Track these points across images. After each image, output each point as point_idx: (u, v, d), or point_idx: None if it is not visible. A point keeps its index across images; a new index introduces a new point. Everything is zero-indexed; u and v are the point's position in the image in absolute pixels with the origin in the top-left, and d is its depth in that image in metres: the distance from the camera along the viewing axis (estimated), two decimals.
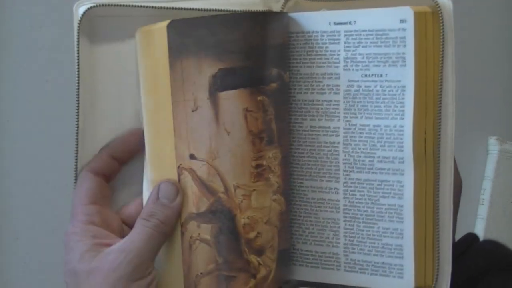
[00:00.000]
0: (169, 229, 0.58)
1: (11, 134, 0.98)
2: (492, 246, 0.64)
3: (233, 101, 0.57)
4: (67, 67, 0.97)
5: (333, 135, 0.60)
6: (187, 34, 0.57)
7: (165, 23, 0.57)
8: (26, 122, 0.99)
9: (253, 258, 0.59)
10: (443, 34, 0.57)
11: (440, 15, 0.57)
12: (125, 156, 0.62)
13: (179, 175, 0.58)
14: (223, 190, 0.58)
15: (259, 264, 0.59)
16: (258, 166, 0.58)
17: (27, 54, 0.98)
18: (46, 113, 0.99)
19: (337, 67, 0.59)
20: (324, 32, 0.60)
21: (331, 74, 0.60)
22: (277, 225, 0.60)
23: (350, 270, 0.61)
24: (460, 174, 0.62)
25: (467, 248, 0.62)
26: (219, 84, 0.57)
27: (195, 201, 0.58)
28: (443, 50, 0.57)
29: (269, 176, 0.59)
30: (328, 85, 0.60)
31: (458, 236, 0.64)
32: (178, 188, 0.58)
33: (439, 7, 0.57)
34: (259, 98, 0.58)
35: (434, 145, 0.58)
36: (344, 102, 0.60)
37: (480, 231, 1.25)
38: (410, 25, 0.57)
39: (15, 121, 0.98)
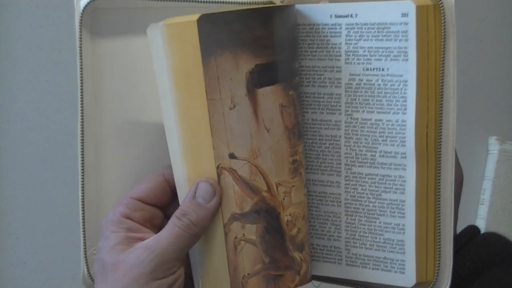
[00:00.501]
0: (200, 231, 0.57)
1: (11, 134, 0.98)
2: (494, 238, 0.63)
3: (270, 97, 0.57)
4: (67, 67, 0.97)
5: (334, 129, 0.60)
6: (220, 29, 0.56)
7: (194, 17, 0.56)
8: (26, 122, 0.98)
9: (297, 255, 0.58)
10: (444, 28, 0.57)
11: (441, 8, 0.57)
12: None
13: (218, 175, 0.57)
14: (266, 189, 0.57)
15: (301, 260, 0.59)
16: (294, 161, 0.58)
17: (27, 54, 0.98)
18: (46, 113, 0.99)
19: (338, 60, 0.59)
20: (325, 25, 0.59)
21: (332, 67, 0.60)
22: (309, 220, 0.60)
23: (351, 264, 0.61)
24: (461, 167, 0.62)
25: (469, 241, 0.62)
26: (256, 80, 0.56)
27: (238, 201, 0.57)
28: (444, 44, 0.57)
29: (301, 171, 0.59)
30: (329, 78, 0.60)
31: (459, 229, 0.64)
32: (216, 189, 0.57)
33: (440, 0, 0.57)
34: (290, 92, 0.58)
35: (435, 140, 0.58)
36: (345, 95, 0.60)
37: (480, 231, 1.25)
38: (412, 19, 0.57)
39: (15, 121, 0.98)
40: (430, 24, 0.57)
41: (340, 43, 0.59)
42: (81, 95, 0.59)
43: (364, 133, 0.59)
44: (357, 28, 0.58)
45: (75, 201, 0.97)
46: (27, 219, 0.99)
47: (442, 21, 0.57)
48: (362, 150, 0.59)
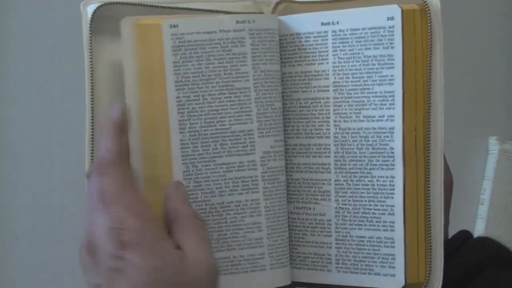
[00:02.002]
0: None
1: (11, 134, 0.98)
2: (486, 242, 0.64)
3: None
4: (67, 67, 0.97)
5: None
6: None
7: (160, 20, 0.58)
8: (26, 122, 0.99)
9: None
10: (431, 31, 0.57)
11: (427, 12, 0.57)
12: None
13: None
14: None
15: None
16: None
17: (27, 54, 0.98)
18: (46, 113, 0.99)
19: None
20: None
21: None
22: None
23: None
24: (450, 171, 0.62)
25: (461, 245, 0.62)
26: None
27: None
28: (431, 47, 0.58)
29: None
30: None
31: (457, 230, 0.64)
32: None
33: (426, 4, 0.57)
34: None
35: (424, 142, 0.58)
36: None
37: (480, 231, 1.25)
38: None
39: (15, 121, 0.98)
40: (417, 28, 0.58)
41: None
42: (91, 100, 0.59)
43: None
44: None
45: (75, 201, 0.97)
46: (27, 219, 0.99)
47: (429, 25, 0.57)
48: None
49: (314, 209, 0.61)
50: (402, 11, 0.57)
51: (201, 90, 0.59)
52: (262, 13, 0.62)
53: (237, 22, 0.59)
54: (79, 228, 0.60)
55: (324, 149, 0.61)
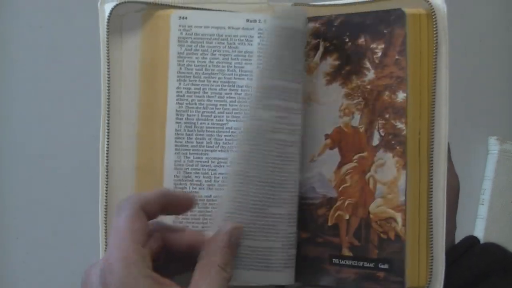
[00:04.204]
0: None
1: (11, 133, 0.98)
2: (493, 248, 0.63)
3: None
4: (67, 67, 0.97)
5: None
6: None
7: (170, 11, 0.58)
8: (26, 122, 0.99)
9: None
10: (436, 36, 0.57)
11: (433, 16, 0.57)
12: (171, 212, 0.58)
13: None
14: None
15: None
16: None
17: (27, 54, 0.98)
18: (46, 113, 0.99)
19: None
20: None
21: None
22: None
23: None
24: (457, 175, 0.62)
25: (467, 250, 0.62)
26: None
27: None
28: (436, 51, 0.57)
29: None
30: None
31: (457, 238, 0.64)
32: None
33: (432, 9, 0.57)
34: None
35: (427, 146, 0.58)
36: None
37: (480, 231, 1.25)
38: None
39: (15, 121, 0.98)
40: (423, 32, 0.58)
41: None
42: (108, 99, 0.59)
43: None
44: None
45: (75, 201, 0.97)
46: (27, 219, 0.99)
47: (434, 29, 0.57)
48: None
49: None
50: (408, 15, 0.57)
51: (203, 84, 0.59)
52: None
53: (247, 20, 0.59)
54: (79, 228, 0.60)
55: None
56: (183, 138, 0.59)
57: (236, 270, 0.56)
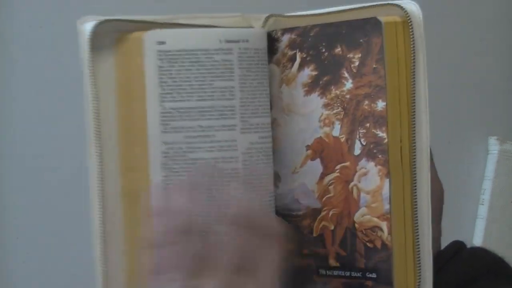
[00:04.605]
0: None
1: (11, 134, 0.98)
2: (481, 253, 0.63)
3: None
4: (67, 67, 0.97)
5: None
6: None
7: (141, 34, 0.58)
8: (26, 122, 0.99)
9: None
10: (413, 43, 0.57)
11: (410, 24, 0.57)
12: None
13: None
14: None
15: None
16: None
17: (27, 54, 0.98)
18: (46, 113, 0.99)
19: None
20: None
21: None
22: None
23: None
24: (441, 181, 0.62)
25: (454, 256, 0.62)
26: None
27: None
28: (414, 59, 0.58)
29: None
30: None
31: (457, 238, 0.64)
32: None
33: (408, 16, 0.57)
34: None
35: (409, 154, 0.58)
36: None
37: (480, 231, 1.25)
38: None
39: (15, 121, 0.99)
40: (400, 41, 0.58)
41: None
42: (97, 125, 0.59)
43: None
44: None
45: (75, 201, 0.97)
46: (27, 219, 0.99)
47: (411, 37, 0.57)
48: None
49: None
50: (384, 24, 0.57)
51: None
52: (252, 27, 0.62)
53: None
54: (79, 228, 0.60)
55: None
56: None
57: None
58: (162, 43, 0.59)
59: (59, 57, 0.99)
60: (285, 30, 0.62)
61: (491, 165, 1.26)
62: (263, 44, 0.61)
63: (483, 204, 1.26)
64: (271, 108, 0.62)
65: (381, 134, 0.59)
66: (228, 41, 0.60)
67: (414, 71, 0.58)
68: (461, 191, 1.24)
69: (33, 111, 0.99)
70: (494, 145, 1.26)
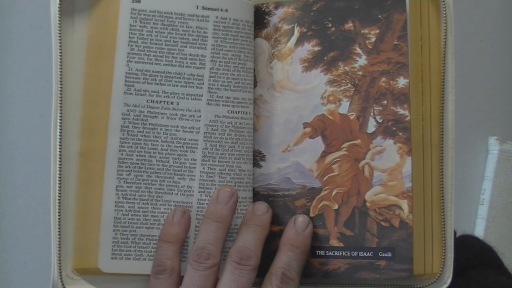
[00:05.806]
0: None
1: (11, 134, 0.98)
2: (470, 241, 0.64)
3: None
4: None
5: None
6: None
7: None
8: (26, 122, 0.99)
9: None
10: (445, 23, 0.58)
11: (443, 4, 0.57)
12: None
13: None
14: None
15: None
16: None
17: (27, 54, 0.98)
18: (46, 113, 0.99)
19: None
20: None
21: None
22: None
23: None
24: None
25: None
26: None
27: None
28: (446, 40, 0.58)
29: None
30: None
31: (460, 231, 0.64)
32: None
33: None
34: None
35: (438, 133, 0.58)
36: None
37: (480, 231, 1.25)
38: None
39: (15, 121, 0.98)
40: (424, 19, 0.58)
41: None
42: (61, 85, 0.58)
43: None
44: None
45: None
46: (27, 219, 0.99)
47: (444, 17, 0.57)
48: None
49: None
50: (410, 0, 0.57)
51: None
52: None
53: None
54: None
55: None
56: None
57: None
58: (137, 1, 0.58)
59: None
60: (279, 4, 0.60)
61: (491, 165, 1.26)
62: (246, 16, 0.59)
63: (483, 204, 1.26)
64: (256, 84, 0.61)
65: (402, 111, 0.58)
66: (205, 8, 0.58)
67: (445, 52, 0.58)
68: (461, 191, 1.24)
69: (33, 111, 0.98)
70: (494, 145, 1.26)
